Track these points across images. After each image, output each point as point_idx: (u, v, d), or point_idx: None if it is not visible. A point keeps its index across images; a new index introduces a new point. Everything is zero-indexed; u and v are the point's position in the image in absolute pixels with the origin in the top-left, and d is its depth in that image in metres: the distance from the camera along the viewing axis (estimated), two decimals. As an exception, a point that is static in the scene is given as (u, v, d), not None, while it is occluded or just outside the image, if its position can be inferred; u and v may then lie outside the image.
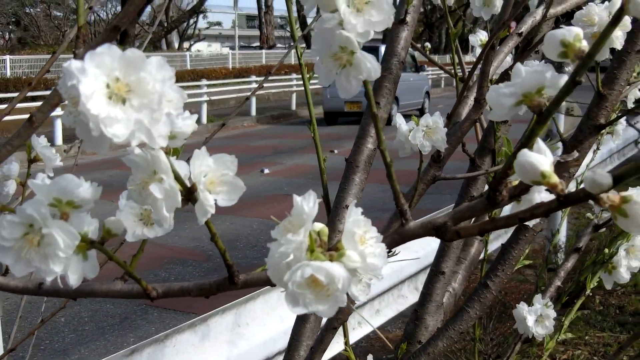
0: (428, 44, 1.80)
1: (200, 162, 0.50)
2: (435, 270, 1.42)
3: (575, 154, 0.50)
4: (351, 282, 0.46)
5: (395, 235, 0.53)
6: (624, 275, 0.97)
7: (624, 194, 0.40)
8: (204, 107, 14.47)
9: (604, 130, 1.49)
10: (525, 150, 0.41)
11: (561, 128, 6.46)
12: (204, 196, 0.50)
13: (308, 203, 0.44)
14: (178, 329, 2.31)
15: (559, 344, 4.23)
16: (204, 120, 14.23)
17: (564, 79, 0.45)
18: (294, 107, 16.52)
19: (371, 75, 0.50)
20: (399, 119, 0.97)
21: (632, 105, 1.33)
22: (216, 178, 0.51)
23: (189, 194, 0.51)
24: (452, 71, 1.24)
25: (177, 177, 0.50)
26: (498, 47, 1.13)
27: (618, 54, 0.92)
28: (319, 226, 0.48)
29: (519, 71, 0.45)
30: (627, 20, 0.85)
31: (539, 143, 0.42)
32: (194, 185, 0.50)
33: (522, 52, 1.09)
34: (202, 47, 34.44)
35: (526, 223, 0.46)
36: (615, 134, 1.73)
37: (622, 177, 0.38)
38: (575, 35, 0.45)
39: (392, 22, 0.50)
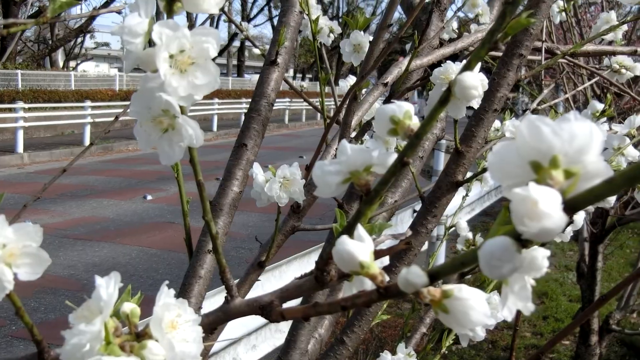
0: (303, 84, 1.78)
1: (-3, 232, 0.45)
2: (300, 317, 1.38)
3: (409, 232, 0.48)
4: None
5: (219, 313, 0.49)
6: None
7: (445, 287, 0.37)
8: (87, 128, 14.04)
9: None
10: (343, 238, 0.38)
11: (441, 166, 6.62)
12: (0, 270, 0.45)
13: (107, 288, 0.39)
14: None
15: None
16: (87, 142, 13.80)
17: (392, 157, 0.43)
18: (181, 132, 16.20)
19: (193, 143, 0.46)
20: (255, 169, 0.93)
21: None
22: (17, 250, 0.46)
23: (-13, 266, 0.45)
24: (330, 110, 1.23)
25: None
26: (363, 96, 1.12)
27: (476, 112, 0.92)
28: (129, 307, 0.44)
29: (344, 149, 0.42)
30: (484, 81, 0.85)
31: (359, 230, 0.39)
32: (-9, 258, 0.45)
33: (388, 101, 1.09)
34: (89, 67, 33.51)
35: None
36: (483, 181, 1.76)
37: (439, 273, 0.35)
38: (405, 112, 0.43)
39: (218, 85, 0.46)
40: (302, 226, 1.02)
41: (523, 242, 0.30)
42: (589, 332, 4.53)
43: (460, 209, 2.04)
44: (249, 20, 35.22)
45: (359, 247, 0.38)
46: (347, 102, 1.00)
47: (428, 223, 0.95)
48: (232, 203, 1.30)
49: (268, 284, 3.61)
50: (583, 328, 4.46)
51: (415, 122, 0.43)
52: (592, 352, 4.55)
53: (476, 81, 0.38)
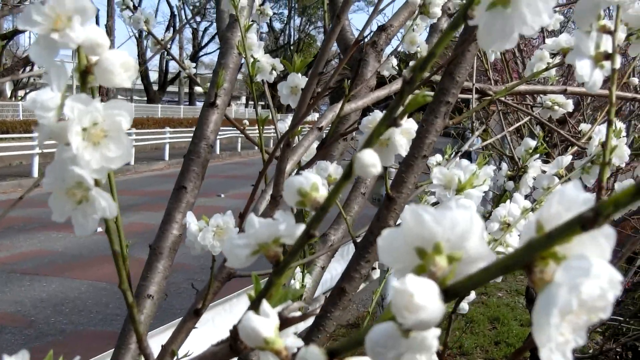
0: (246, 121, 1.80)
1: None
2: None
3: (322, 298, 0.49)
4: None
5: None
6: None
7: (350, 360, 0.38)
8: (36, 159, 13.80)
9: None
10: (249, 315, 0.39)
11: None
12: None
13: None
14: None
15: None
16: (35, 173, 13.57)
17: (299, 229, 0.44)
18: (132, 162, 16.11)
19: (107, 214, 0.47)
20: (189, 218, 0.93)
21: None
22: None
23: None
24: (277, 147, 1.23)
25: None
26: (299, 140, 1.13)
27: (405, 159, 0.93)
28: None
29: (252, 222, 0.43)
30: (412, 128, 0.87)
31: (264, 306, 0.40)
32: None
33: (323, 145, 1.10)
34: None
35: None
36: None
37: (338, 351, 0.36)
38: (312, 184, 0.44)
39: (131, 157, 0.47)
40: (238, 272, 1.03)
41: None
42: (539, 358, 4.57)
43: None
44: (200, 48, 35.20)
45: (264, 323, 0.39)
46: (278, 149, 1.01)
47: (361, 268, 0.96)
48: (172, 246, 1.30)
49: (219, 317, 3.59)
50: (533, 353, 4.51)
51: (321, 194, 0.44)
52: (543, 376, 4.58)
53: (374, 159, 0.39)
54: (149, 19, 1.96)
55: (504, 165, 1.45)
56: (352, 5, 1.05)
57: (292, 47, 39.07)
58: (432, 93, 0.96)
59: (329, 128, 1.19)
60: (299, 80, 1.27)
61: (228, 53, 1.43)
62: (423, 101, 0.41)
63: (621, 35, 0.84)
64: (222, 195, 11.66)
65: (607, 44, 0.61)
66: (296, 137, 1.24)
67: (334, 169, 0.94)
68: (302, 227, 0.43)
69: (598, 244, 0.28)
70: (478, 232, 0.32)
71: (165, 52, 2.00)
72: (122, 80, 0.46)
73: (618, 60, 0.62)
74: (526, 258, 0.29)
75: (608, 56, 0.61)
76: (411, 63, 1.85)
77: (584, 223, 0.26)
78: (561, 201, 0.29)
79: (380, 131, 0.41)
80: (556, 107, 1.53)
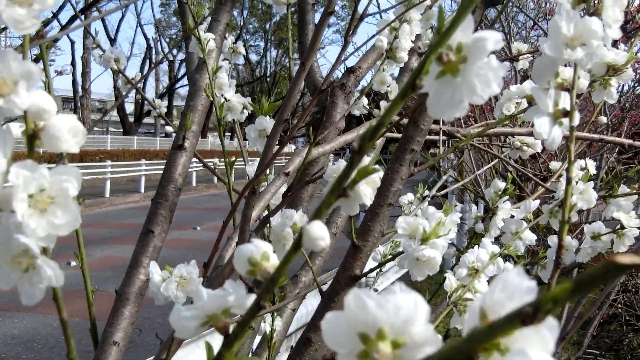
0: (217, 160, 1.79)
1: None
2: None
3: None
4: None
5: None
6: None
7: None
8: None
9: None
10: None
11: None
12: None
13: None
14: None
15: None
16: (9, 207, 13.39)
17: (250, 299, 0.43)
18: (107, 194, 16.00)
19: (53, 283, 0.45)
20: (152, 268, 0.92)
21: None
22: None
23: None
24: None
25: None
26: (265, 187, 1.13)
27: (371, 207, 0.93)
28: None
29: (200, 294, 0.42)
30: (376, 177, 0.86)
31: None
32: None
33: (288, 192, 1.09)
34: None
35: None
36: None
37: None
38: (263, 253, 0.43)
39: (79, 223, 0.46)
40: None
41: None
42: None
43: (379, 275, 2.05)
44: (176, 80, 35.27)
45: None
46: (243, 195, 1.00)
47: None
48: (139, 292, 1.28)
49: (193, 355, 3.54)
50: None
51: (272, 264, 0.44)
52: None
53: (323, 232, 0.39)
54: (119, 57, 1.95)
55: (474, 207, 1.45)
56: (318, 51, 1.04)
57: (268, 79, 39.22)
58: (393, 146, 0.96)
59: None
60: (267, 123, 1.26)
61: (196, 95, 1.42)
62: (373, 171, 0.40)
63: (584, 82, 0.85)
64: (198, 228, 11.58)
65: (565, 101, 0.61)
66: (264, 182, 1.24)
67: (300, 217, 0.93)
68: (252, 298, 0.42)
69: (541, 336, 0.28)
70: (423, 317, 0.31)
71: (137, 91, 1.99)
72: (69, 146, 0.45)
73: (577, 118, 0.62)
74: (468, 349, 0.28)
75: (566, 113, 0.61)
76: (381, 103, 1.85)
77: (523, 318, 0.26)
78: (504, 289, 0.29)
79: (330, 202, 0.40)
80: (525, 148, 1.54)
